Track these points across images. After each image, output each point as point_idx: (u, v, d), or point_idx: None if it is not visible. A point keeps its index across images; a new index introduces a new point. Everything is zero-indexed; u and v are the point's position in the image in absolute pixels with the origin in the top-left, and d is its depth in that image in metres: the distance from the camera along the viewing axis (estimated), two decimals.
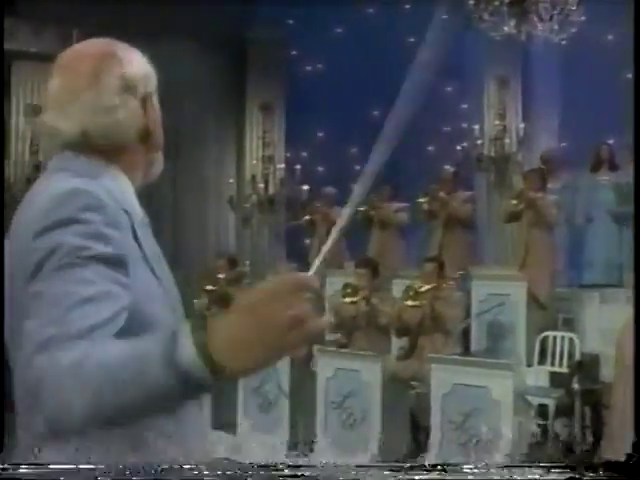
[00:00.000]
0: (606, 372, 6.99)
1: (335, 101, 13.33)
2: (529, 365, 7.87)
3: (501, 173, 12.23)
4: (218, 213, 13.48)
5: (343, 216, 1.98)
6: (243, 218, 13.21)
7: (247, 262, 10.60)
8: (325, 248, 1.66)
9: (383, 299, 7.99)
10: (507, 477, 1.75)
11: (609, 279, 9.32)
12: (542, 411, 7.02)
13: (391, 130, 1.84)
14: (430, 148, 14.19)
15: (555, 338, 7.99)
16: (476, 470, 1.75)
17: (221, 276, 9.44)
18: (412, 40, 14.13)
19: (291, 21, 13.60)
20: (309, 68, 14.59)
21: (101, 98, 1.80)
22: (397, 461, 1.86)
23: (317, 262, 1.62)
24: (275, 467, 1.71)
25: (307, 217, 11.20)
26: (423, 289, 7.53)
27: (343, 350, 7.44)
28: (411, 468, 1.74)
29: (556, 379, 7.56)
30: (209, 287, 9.39)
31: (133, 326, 1.60)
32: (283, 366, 6.94)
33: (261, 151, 13.54)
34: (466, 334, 8.08)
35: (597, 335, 7.91)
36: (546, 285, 8.75)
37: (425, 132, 13.58)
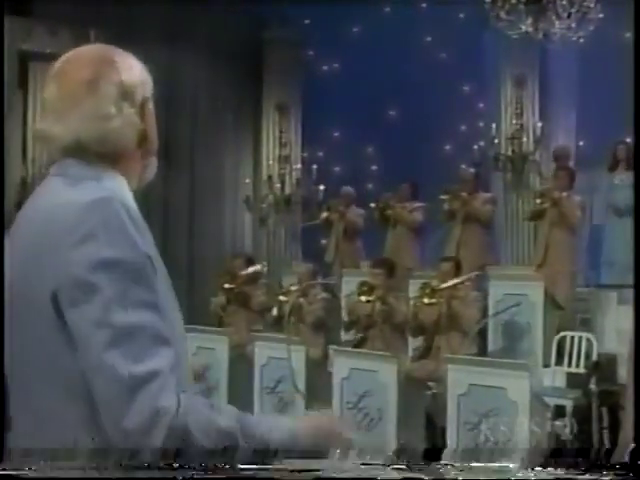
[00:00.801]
0: (623, 373, 6.94)
1: (351, 101, 13.32)
2: (546, 365, 7.83)
3: (518, 172, 12.18)
4: (235, 213, 13.49)
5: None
6: (259, 218, 13.21)
7: (265, 263, 10.60)
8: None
9: (399, 299, 7.97)
10: (522, 477, 1.74)
11: (627, 279, 9.26)
12: (559, 412, 6.99)
13: None
14: (447, 147, 14.17)
15: (572, 338, 7.94)
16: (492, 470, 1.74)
17: (242, 272, 9.46)
18: (429, 39, 14.14)
19: (307, 21, 13.60)
20: (325, 68, 14.59)
21: (98, 106, 1.80)
22: (413, 461, 1.87)
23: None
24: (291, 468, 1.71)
25: (324, 215, 11.18)
26: (440, 287, 7.50)
27: (359, 350, 7.42)
28: (427, 468, 1.74)
29: (573, 380, 7.52)
30: (227, 285, 9.41)
31: None
32: (299, 366, 6.93)
33: (277, 151, 13.54)
34: (482, 334, 8.04)
35: (615, 336, 7.87)
36: (566, 286, 8.70)
37: (442, 131, 13.57)
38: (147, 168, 1.96)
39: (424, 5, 13.62)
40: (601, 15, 9.46)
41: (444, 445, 6.06)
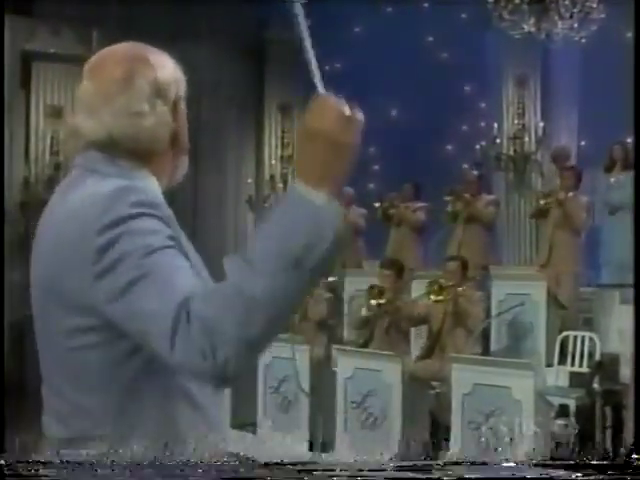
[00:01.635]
0: (626, 372, 6.95)
1: (353, 101, 13.29)
2: (549, 365, 7.83)
3: (520, 172, 12.19)
4: (237, 213, 13.51)
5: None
6: (262, 218, 13.21)
7: None
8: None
9: (407, 301, 7.99)
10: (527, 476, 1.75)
11: (627, 278, 9.27)
12: (563, 411, 6.99)
13: None
14: (449, 147, 14.17)
15: (576, 338, 7.95)
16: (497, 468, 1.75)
17: None
18: (431, 39, 14.15)
19: (309, 21, 13.58)
20: (327, 67, 14.55)
21: (131, 103, 1.80)
22: (417, 461, 1.87)
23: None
24: (294, 466, 1.71)
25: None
26: (449, 284, 7.51)
27: (363, 350, 7.43)
28: (431, 467, 1.75)
29: (576, 379, 7.53)
30: None
31: None
32: (303, 365, 6.95)
33: (280, 151, 13.56)
34: (486, 334, 8.05)
35: (617, 335, 7.87)
36: (569, 286, 8.72)
37: (444, 131, 13.58)
38: (178, 168, 1.96)
39: (426, 5, 13.63)
40: (603, 15, 9.47)
41: (448, 444, 6.09)
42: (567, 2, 9.22)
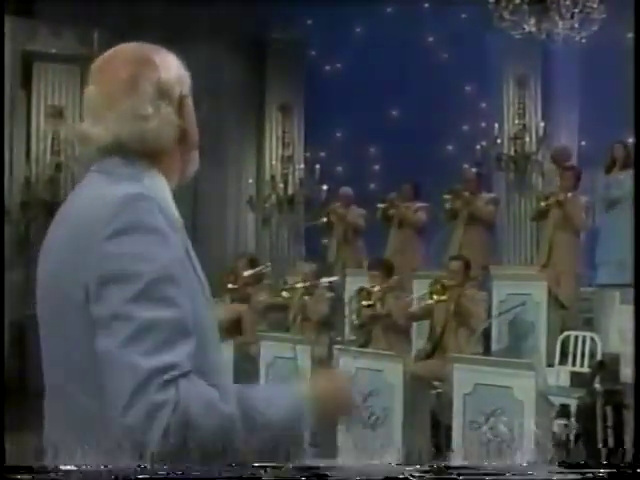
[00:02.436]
0: (627, 372, 6.95)
1: (354, 101, 13.34)
2: (550, 365, 7.84)
3: (521, 172, 12.20)
4: (238, 213, 13.52)
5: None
6: (262, 218, 13.25)
7: (268, 263, 10.61)
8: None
9: (399, 298, 8.00)
10: (529, 477, 1.75)
11: (625, 278, 9.28)
12: (564, 411, 6.99)
13: None
14: (449, 147, 14.18)
15: (577, 338, 7.95)
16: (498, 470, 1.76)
17: (245, 273, 9.48)
18: (431, 39, 14.15)
19: (310, 21, 13.62)
20: (328, 68, 14.60)
21: (136, 106, 1.81)
22: (418, 461, 1.87)
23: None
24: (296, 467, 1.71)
25: (324, 219, 11.19)
26: (451, 284, 7.52)
27: (364, 350, 7.44)
28: (432, 468, 1.74)
29: (577, 379, 7.53)
30: (230, 286, 9.43)
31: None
32: (304, 365, 6.94)
33: (280, 151, 13.56)
34: (487, 334, 8.06)
35: (618, 335, 7.87)
36: (569, 286, 8.73)
37: (444, 131, 13.58)
38: (189, 164, 1.96)
39: (426, 5, 13.64)
40: (604, 16, 9.47)
41: (449, 444, 6.08)
42: (568, 2, 9.22)
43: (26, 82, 11.72)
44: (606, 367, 7.35)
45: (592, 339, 7.85)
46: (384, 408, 6.44)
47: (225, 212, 13.37)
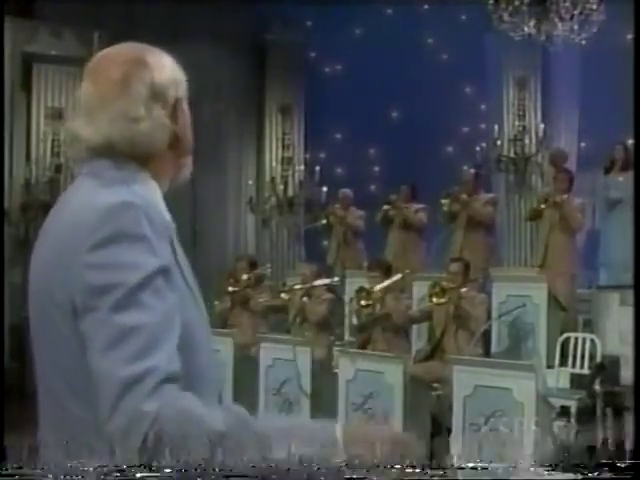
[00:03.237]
0: (627, 374, 6.95)
1: (354, 102, 13.34)
2: (550, 366, 7.84)
3: (520, 174, 12.21)
4: (238, 215, 13.52)
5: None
6: (262, 219, 13.25)
7: (268, 265, 10.61)
8: None
9: (398, 299, 8.00)
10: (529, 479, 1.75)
11: (624, 279, 9.28)
12: (564, 413, 7.00)
13: None
14: (449, 149, 14.18)
15: (576, 339, 7.95)
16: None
17: (243, 277, 9.47)
18: (431, 41, 14.16)
19: (310, 23, 13.63)
20: (328, 69, 14.61)
21: (128, 108, 1.78)
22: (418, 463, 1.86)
23: None
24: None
25: (324, 221, 11.20)
26: (450, 286, 7.52)
27: (364, 351, 7.44)
28: (433, 469, 1.74)
29: (576, 381, 7.53)
30: (231, 288, 9.42)
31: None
32: (304, 367, 6.95)
33: (280, 153, 13.57)
34: (487, 336, 8.05)
35: (618, 337, 7.87)
36: (566, 287, 8.72)
37: (444, 133, 13.59)
38: (181, 169, 1.95)
39: (426, 7, 13.65)
40: (603, 17, 9.48)
41: (449, 446, 6.08)
42: (567, 4, 9.23)
43: (26, 83, 11.71)
44: (606, 369, 7.36)
45: (592, 341, 7.84)
46: (384, 410, 6.44)
47: (225, 214, 13.37)
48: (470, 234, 9.79)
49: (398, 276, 8.17)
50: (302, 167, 13.31)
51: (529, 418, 5.53)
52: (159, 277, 1.66)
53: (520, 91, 12.44)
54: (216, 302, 9.47)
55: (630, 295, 8.14)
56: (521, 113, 12.38)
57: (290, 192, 13.27)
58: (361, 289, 7.98)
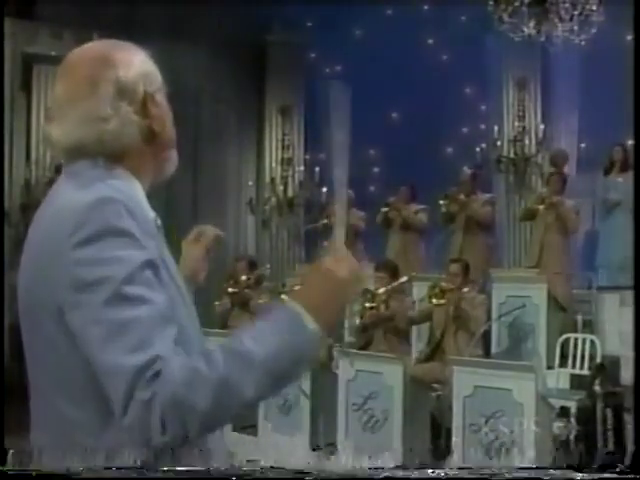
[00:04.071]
0: (627, 375, 6.95)
1: (353, 103, 13.28)
2: (550, 367, 7.84)
3: (520, 174, 12.21)
4: (237, 215, 13.52)
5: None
6: (262, 220, 13.25)
7: (268, 265, 10.60)
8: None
9: (402, 301, 8.00)
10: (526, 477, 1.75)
11: (623, 280, 9.29)
12: (564, 413, 6.99)
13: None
14: (449, 149, 14.18)
15: (576, 340, 7.96)
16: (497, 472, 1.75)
17: (243, 278, 9.47)
18: (431, 42, 14.17)
19: (310, 23, 13.63)
20: (328, 70, 14.60)
21: (95, 108, 1.77)
22: (419, 463, 1.86)
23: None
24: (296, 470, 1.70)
25: (324, 221, 11.18)
26: (450, 287, 7.52)
27: (364, 352, 7.44)
28: (433, 470, 1.74)
29: (576, 381, 7.53)
30: (230, 289, 9.41)
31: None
32: None
33: (280, 153, 13.57)
34: (486, 336, 8.05)
35: (618, 337, 7.87)
36: (563, 287, 8.72)
37: (444, 134, 13.59)
38: (164, 163, 1.91)
39: (426, 7, 13.65)
40: (603, 18, 9.48)
41: (449, 447, 6.09)
42: (567, 5, 9.24)
43: (26, 84, 11.72)
44: (606, 369, 7.35)
45: (592, 341, 7.85)
46: (384, 410, 6.44)
47: (225, 214, 13.37)
48: (469, 235, 9.79)
49: (404, 278, 8.17)
50: (302, 168, 13.32)
51: (529, 419, 5.54)
52: (147, 270, 1.65)
53: (520, 92, 12.44)
54: (216, 303, 9.47)
55: (630, 296, 8.14)
56: (521, 114, 12.38)
57: (290, 193, 13.27)
58: (366, 291, 7.98)
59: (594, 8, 9.28)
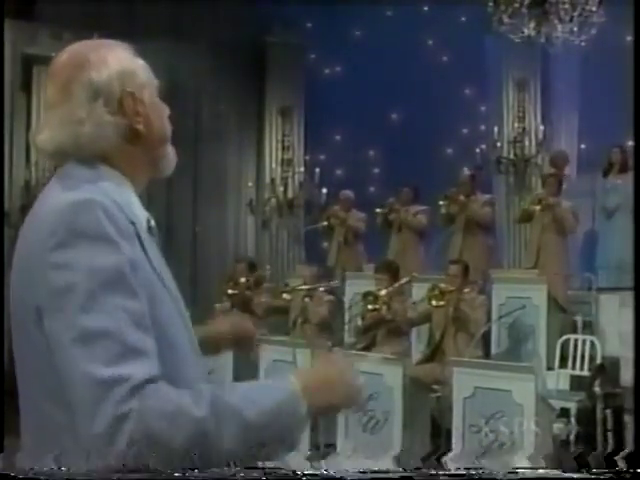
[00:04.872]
0: (627, 376, 6.95)
1: (353, 104, 13.34)
2: (550, 368, 7.84)
3: (520, 175, 12.21)
4: (237, 216, 13.52)
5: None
6: (262, 221, 13.25)
7: (268, 267, 10.61)
8: None
9: (404, 303, 8.00)
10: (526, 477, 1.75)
11: (623, 281, 9.29)
12: (564, 414, 7.00)
13: None
14: (449, 150, 14.19)
15: (576, 341, 7.96)
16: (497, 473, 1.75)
17: (242, 280, 9.47)
18: (430, 43, 14.17)
19: (310, 24, 13.64)
20: (327, 71, 14.61)
21: (71, 111, 1.77)
22: (418, 465, 1.87)
23: None
24: (295, 472, 1.70)
25: (324, 222, 11.18)
26: (449, 289, 7.52)
27: (364, 353, 7.44)
28: (433, 471, 1.74)
29: (576, 382, 7.53)
30: (230, 291, 9.41)
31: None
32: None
33: (280, 154, 13.56)
34: (486, 337, 8.05)
35: (618, 338, 7.87)
36: (561, 288, 8.73)
37: (444, 134, 13.59)
38: (158, 161, 1.90)
39: (426, 8, 13.65)
40: (603, 19, 9.48)
41: (449, 447, 6.08)
42: (567, 6, 9.24)
43: (26, 85, 11.72)
44: (606, 370, 7.36)
45: (592, 342, 7.85)
46: (384, 411, 6.44)
47: (225, 215, 13.37)
48: (469, 235, 9.79)
49: (405, 279, 8.17)
50: (302, 169, 13.31)
51: (529, 419, 5.54)
52: (123, 276, 1.62)
53: (520, 93, 12.44)
54: (216, 305, 9.47)
55: (630, 297, 8.13)
56: (521, 115, 12.38)
57: (290, 194, 13.27)
58: (368, 293, 7.98)
59: (594, 9, 9.28)
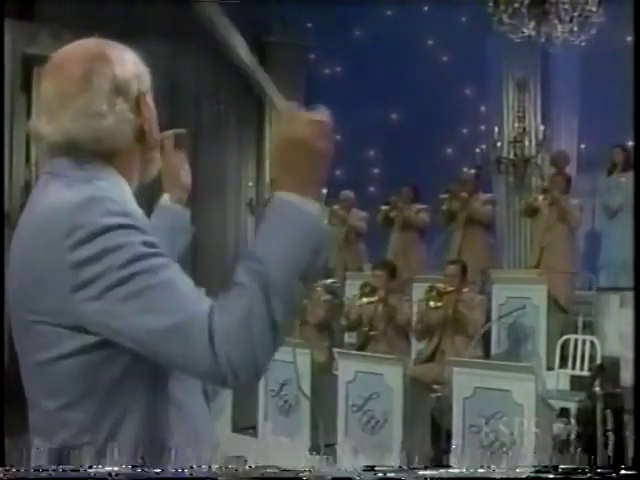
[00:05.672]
0: (627, 376, 6.95)
1: (353, 104, 13.34)
2: (550, 368, 7.84)
3: (520, 175, 12.20)
4: (237, 216, 13.52)
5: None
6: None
7: None
8: None
9: (401, 300, 7.99)
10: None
11: (623, 281, 9.29)
12: (564, 415, 7.00)
13: None
14: (449, 150, 14.19)
15: (576, 341, 7.96)
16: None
17: None
18: (430, 43, 14.17)
19: (310, 24, 13.64)
20: (327, 71, 14.61)
21: (90, 104, 1.75)
22: (418, 465, 1.88)
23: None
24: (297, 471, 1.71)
25: (325, 222, 11.15)
26: (447, 290, 7.50)
27: (364, 353, 7.43)
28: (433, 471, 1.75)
29: (576, 382, 7.53)
30: None
31: None
32: (304, 369, 6.94)
33: None
34: (486, 338, 8.05)
35: (618, 338, 7.88)
36: (564, 288, 8.72)
37: (444, 134, 13.59)
38: (149, 163, 1.92)
39: (426, 8, 13.65)
40: (603, 19, 9.49)
41: (449, 448, 6.08)
42: (567, 6, 9.24)
43: (26, 85, 11.71)
44: (606, 370, 7.35)
45: (592, 342, 7.85)
46: (384, 412, 6.44)
47: (225, 215, 13.37)
48: (469, 234, 9.80)
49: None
50: None
51: (529, 420, 5.54)
52: (152, 245, 1.66)
53: (520, 93, 12.43)
54: None
55: (630, 297, 8.14)
56: (521, 115, 12.37)
57: None
58: (365, 284, 7.95)
59: (594, 9, 9.28)
